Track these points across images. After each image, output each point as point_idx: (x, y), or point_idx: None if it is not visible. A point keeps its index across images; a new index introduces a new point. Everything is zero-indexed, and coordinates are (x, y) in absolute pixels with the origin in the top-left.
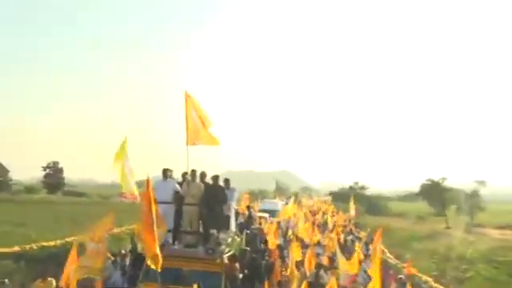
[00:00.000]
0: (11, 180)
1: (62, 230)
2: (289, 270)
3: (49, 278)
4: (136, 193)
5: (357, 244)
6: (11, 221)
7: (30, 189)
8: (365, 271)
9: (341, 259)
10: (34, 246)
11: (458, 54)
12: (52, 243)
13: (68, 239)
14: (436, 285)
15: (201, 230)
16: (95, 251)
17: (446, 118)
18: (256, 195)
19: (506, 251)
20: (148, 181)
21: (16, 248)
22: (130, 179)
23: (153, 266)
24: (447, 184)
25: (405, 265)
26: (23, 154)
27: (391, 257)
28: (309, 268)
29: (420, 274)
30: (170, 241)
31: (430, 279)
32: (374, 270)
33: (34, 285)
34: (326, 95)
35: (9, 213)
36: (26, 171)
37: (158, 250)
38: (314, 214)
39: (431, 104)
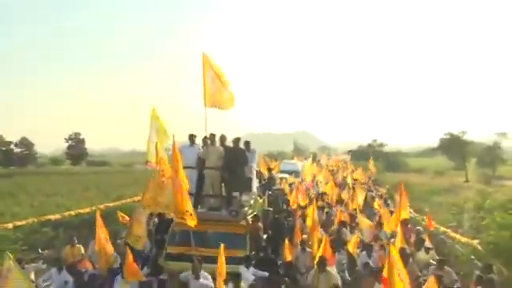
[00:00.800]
0: (36, 153)
1: (90, 198)
2: (309, 228)
3: (77, 245)
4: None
5: (377, 201)
6: (43, 191)
7: (54, 160)
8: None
9: (361, 217)
10: (73, 213)
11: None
12: (87, 210)
13: (100, 206)
14: (453, 234)
15: (223, 193)
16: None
17: (464, 70)
18: (275, 156)
19: None
20: (174, 145)
21: (56, 216)
22: (153, 148)
23: (189, 223)
24: (467, 137)
25: (424, 217)
26: (46, 127)
27: (410, 210)
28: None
29: (438, 226)
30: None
31: (447, 230)
32: (397, 225)
33: (63, 251)
34: (343, 54)
35: (38, 184)
36: (50, 143)
37: (191, 208)
38: (332, 172)
39: (449, 57)
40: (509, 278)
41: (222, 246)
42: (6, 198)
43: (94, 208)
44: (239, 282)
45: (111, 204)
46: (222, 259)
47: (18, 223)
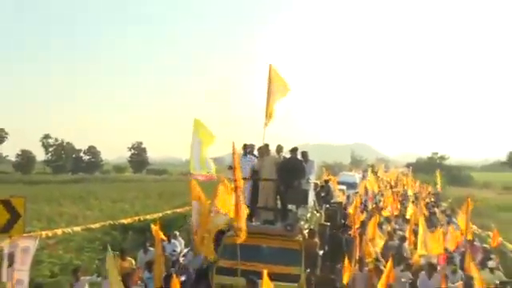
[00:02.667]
0: (102, 160)
1: (154, 205)
2: (364, 244)
3: (128, 258)
4: (204, 172)
5: (439, 215)
6: (109, 197)
7: (117, 168)
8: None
9: (425, 234)
10: (141, 218)
11: None
12: (155, 215)
13: (168, 211)
14: None
15: (278, 205)
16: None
17: None
18: (332, 168)
19: None
20: (235, 153)
21: (125, 220)
22: (197, 159)
23: (238, 240)
24: None
25: (489, 233)
26: (110, 136)
27: (475, 227)
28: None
29: (506, 242)
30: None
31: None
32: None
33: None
34: (402, 65)
35: (104, 190)
36: (114, 151)
37: (244, 225)
38: (391, 186)
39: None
40: None
41: (266, 271)
42: (78, 203)
43: (161, 214)
44: None
45: (178, 210)
46: (267, 282)
47: (92, 226)
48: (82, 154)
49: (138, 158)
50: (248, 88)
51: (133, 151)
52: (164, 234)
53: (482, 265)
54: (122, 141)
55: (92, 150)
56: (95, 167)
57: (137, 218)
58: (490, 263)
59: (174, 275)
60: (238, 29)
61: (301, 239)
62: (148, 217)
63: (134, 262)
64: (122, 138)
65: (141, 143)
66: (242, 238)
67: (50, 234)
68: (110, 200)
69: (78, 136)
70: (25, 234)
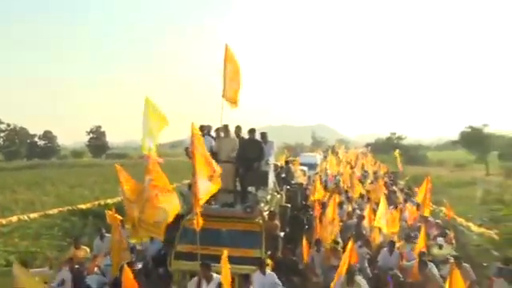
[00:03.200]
0: (58, 146)
1: (113, 190)
2: (322, 225)
3: (82, 246)
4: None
5: (398, 194)
6: (67, 182)
7: (75, 153)
8: (405, 221)
9: (384, 212)
10: (102, 203)
11: None
12: (115, 200)
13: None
14: (471, 225)
15: (237, 187)
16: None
17: (486, 61)
18: (294, 149)
19: None
20: (194, 133)
21: (84, 205)
22: (149, 140)
23: (195, 225)
24: (489, 130)
25: (443, 209)
26: (67, 120)
27: (430, 204)
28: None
29: (456, 217)
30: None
31: (463, 220)
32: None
33: (68, 252)
34: (362, 46)
35: (62, 175)
36: (71, 136)
37: (199, 208)
38: (351, 166)
39: (471, 49)
40: None
41: (225, 252)
42: (34, 189)
43: (120, 198)
44: (249, 285)
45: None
46: (226, 266)
47: (50, 212)
48: (36, 140)
49: (97, 143)
50: (209, 68)
51: (91, 135)
52: (122, 220)
53: (435, 240)
54: (79, 125)
55: (48, 135)
56: (51, 153)
57: (96, 203)
58: (439, 239)
59: (126, 265)
60: (197, 7)
61: (261, 221)
62: (109, 201)
63: (88, 250)
64: (80, 123)
65: (99, 127)
66: (199, 223)
67: (4, 221)
68: (68, 186)
69: (31, 121)
70: None
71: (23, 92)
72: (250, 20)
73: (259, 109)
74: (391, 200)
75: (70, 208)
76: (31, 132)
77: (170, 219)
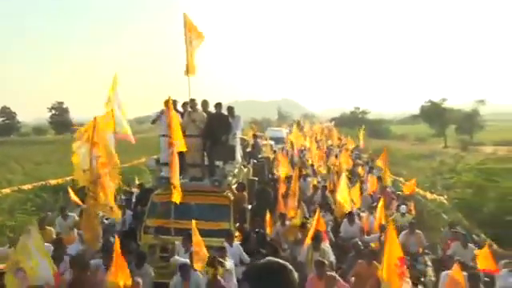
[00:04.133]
0: (19, 122)
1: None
2: (287, 199)
3: (47, 227)
4: (128, 132)
5: (360, 168)
6: (32, 160)
7: (37, 130)
8: (367, 192)
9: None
10: (69, 179)
11: None
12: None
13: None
14: (425, 193)
15: (205, 162)
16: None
17: (444, 38)
18: (261, 124)
19: (491, 162)
20: (170, 108)
21: (58, 180)
22: (121, 118)
23: (174, 199)
24: (447, 105)
25: (401, 179)
26: (28, 96)
27: (390, 175)
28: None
29: (417, 189)
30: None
31: (420, 190)
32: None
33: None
34: (326, 21)
35: (25, 153)
36: (31, 113)
37: (177, 180)
38: (316, 140)
39: (429, 25)
40: (470, 229)
41: (194, 222)
42: None
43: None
44: (224, 256)
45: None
46: (197, 236)
47: (24, 187)
48: None
49: (60, 119)
50: (171, 41)
51: (53, 112)
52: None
53: (396, 209)
54: (40, 101)
55: (6, 111)
56: (11, 129)
57: (68, 179)
58: (402, 207)
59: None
60: None
61: (229, 194)
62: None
63: (53, 230)
64: (41, 99)
65: (62, 103)
66: (176, 196)
67: None
68: (33, 163)
69: None
70: None
71: None
72: None
73: (225, 84)
74: (355, 173)
75: (43, 183)
76: None
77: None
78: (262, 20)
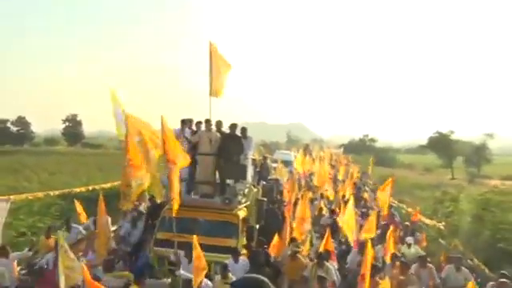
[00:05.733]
0: (32, 132)
1: (94, 178)
2: (295, 223)
3: (53, 236)
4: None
5: (366, 194)
6: (45, 169)
7: (50, 141)
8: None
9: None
10: (97, 187)
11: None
12: (103, 185)
13: (115, 183)
14: (427, 220)
15: (217, 180)
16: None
17: (455, 71)
18: (269, 147)
19: (492, 194)
20: (163, 126)
21: (81, 189)
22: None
23: (172, 213)
24: (455, 136)
25: (409, 209)
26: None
27: (394, 201)
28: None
29: (420, 216)
30: (183, 190)
31: (422, 217)
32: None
33: (40, 240)
34: (340, 49)
35: (38, 162)
36: (44, 123)
37: (178, 197)
38: (324, 165)
39: (441, 58)
40: (465, 253)
41: (195, 236)
42: (13, 174)
43: (111, 184)
44: (227, 273)
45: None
46: (197, 250)
47: (51, 192)
48: (9, 125)
49: (73, 131)
50: (187, 64)
51: (67, 124)
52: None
53: (402, 240)
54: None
55: (22, 121)
56: (24, 139)
57: (90, 188)
58: (409, 239)
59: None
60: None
61: (238, 213)
62: (104, 186)
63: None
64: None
65: (76, 115)
66: (175, 210)
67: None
68: (47, 172)
69: (4, 105)
70: None
71: None
72: (231, 13)
73: (235, 105)
74: (360, 198)
75: (69, 190)
76: (3, 117)
77: (138, 192)
78: (274, 43)
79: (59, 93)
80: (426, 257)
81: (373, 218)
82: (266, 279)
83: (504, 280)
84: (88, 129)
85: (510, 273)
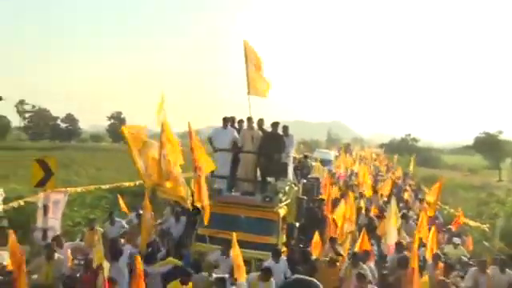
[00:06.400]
0: (80, 129)
1: (136, 173)
2: (339, 222)
3: (95, 228)
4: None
5: (406, 194)
6: (92, 165)
7: (95, 137)
8: (413, 220)
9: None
10: (137, 183)
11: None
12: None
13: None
14: (471, 222)
15: (258, 177)
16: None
17: (503, 69)
18: (309, 145)
19: None
20: (190, 129)
21: (131, 183)
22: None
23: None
24: (503, 137)
25: (451, 210)
26: (89, 104)
27: (438, 203)
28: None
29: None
30: (224, 187)
31: (465, 219)
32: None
33: (84, 234)
34: (383, 46)
35: (85, 158)
36: (89, 120)
37: (205, 201)
38: (365, 164)
39: (488, 55)
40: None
41: (235, 234)
42: (64, 169)
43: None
44: (269, 276)
45: None
46: (236, 248)
47: (103, 186)
48: (59, 122)
49: (118, 128)
50: (223, 63)
51: (112, 121)
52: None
53: (448, 241)
54: (98, 109)
55: (70, 118)
56: (72, 135)
57: (137, 183)
58: (455, 239)
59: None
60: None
61: (279, 211)
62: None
63: (101, 230)
64: (99, 107)
65: (120, 113)
66: (206, 218)
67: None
68: (95, 168)
69: (55, 103)
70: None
71: (47, 75)
72: (266, 12)
73: (274, 102)
74: (401, 199)
75: (124, 184)
76: (54, 114)
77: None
78: (313, 40)
79: (103, 89)
80: (485, 262)
81: (423, 218)
82: (314, 280)
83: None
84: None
85: None
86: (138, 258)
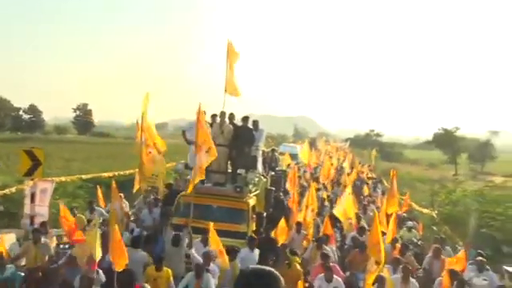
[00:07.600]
0: (44, 120)
1: (109, 165)
2: (303, 213)
3: (78, 215)
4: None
5: (365, 186)
6: (60, 156)
7: (59, 129)
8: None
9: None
10: (116, 174)
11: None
12: (127, 172)
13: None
14: (421, 208)
15: (229, 169)
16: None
17: (461, 67)
18: (276, 139)
19: (488, 189)
20: (200, 115)
21: (109, 174)
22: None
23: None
24: (460, 133)
25: (403, 197)
26: (53, 96)
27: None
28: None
29: (414, 204)
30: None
31: (416, 205)
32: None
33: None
34: (346, 43)
35: (51, 150)
36: (53, 111)
37: (201, 176)
38: (330, 157)
39: (446, 53)
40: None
41: (211, 223)
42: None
43: (132, 171)
44: (235, 259)
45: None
46: (214, 235)
47: (83, 176)
48: (21, 113)
49: (83, 120)
50: (196, 55)
51: (78, 112)
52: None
53: (401, 225)
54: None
55: (33, 109)
56: (36, 127)
57: (117, 173)
58: (410, 223)
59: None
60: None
61: (248, 200)
62: (127, 172)
63: (84, 217)
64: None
65: (86, 105)
66: (189, 190)
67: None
68: (62, 159)
69: (17, 93)
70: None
71: (9, 64)
72: (238, 6)
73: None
74: (359, 188)
75: (103, 175)
76: (16, 105)
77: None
78: (281, 36)
79: (70, 81)
80: (440, 248)
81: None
82: (273, 270)
83: (437, 246)
84: (97, 118)
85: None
86: (116, 228)
